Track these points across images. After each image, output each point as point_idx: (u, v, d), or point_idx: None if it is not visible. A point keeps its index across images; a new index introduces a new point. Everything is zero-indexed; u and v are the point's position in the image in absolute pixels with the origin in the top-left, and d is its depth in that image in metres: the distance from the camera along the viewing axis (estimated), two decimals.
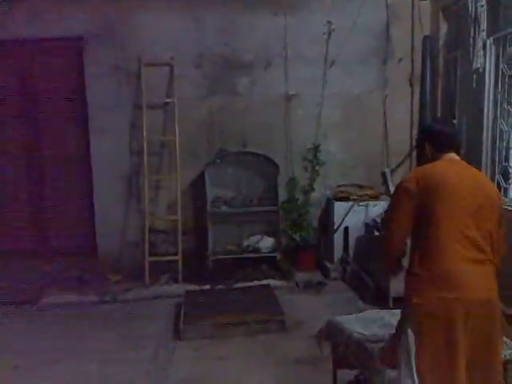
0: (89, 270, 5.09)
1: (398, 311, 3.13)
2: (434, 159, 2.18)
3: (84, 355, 3.56)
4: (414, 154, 5.32)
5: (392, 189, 5.04)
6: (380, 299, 4.18)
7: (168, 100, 5.22)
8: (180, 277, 4.95)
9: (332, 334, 2.74)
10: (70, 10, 5.01)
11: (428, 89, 5.20)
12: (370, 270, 4.57)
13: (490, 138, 4.43)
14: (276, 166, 5.21)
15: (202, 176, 5.25)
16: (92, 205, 5.28)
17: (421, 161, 2.29)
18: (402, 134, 5.38)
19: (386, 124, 5.36)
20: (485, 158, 4.46)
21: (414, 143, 2.42)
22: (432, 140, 2.23)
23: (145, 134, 5.10)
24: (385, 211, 2.19)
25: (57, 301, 4.61)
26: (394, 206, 2.13)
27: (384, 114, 5.36)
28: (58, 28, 5.03)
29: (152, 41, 5.13)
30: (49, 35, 5.06)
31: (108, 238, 5.28)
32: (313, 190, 5.26)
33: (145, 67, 5.13)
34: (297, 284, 4.78)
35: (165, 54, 5.15)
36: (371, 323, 2.74)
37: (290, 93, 5.34)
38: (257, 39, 5.27)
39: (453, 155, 2.18)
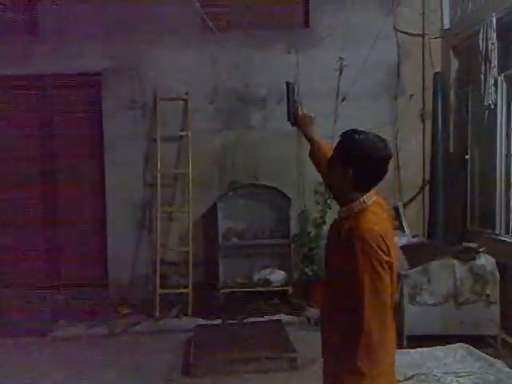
0: (99, 301, 5.07)
1: (412, 351, 3.08)
2: (350, 191, 1.73)
3: None
4: (427, 188, 5.33)
5: (405, 223, 5.00)
6: None
7: (182, 133, 5.33)
8: (190, 310, 4.90)
9: None
10: (88, 47, 5.22)
11: (440, 124, 5.24)
12: None
13: (503, 173, 4.40)
14: (288, 198, 5.22)
15: (214, 208, 5.27)
16: (105, 236, 5.32)
17: (333, 182, 1.82)
18: (414, 169, 5.39)
19: (397, 158, 5.37)
20: (498, 194, 4.42)
21: (336, 154, 1.82)
22: (361, 170, 1.70)
23: (159, 166, 5.18)
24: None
25: (66, 333, 4.61)
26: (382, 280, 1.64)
27: (396, 148, 5.38)
28: (77, 64, 5.22)
29: (167, 76, 5.29)
30: (68, 71, 5.24)
31: (119, 270, 5.29)
32: (324, 223, 5.24)
33: (160, 101, 5.25)
34: (308, 319, 4.70)
35: (180, 89, 5.28)
36: None
37: None
38: (270, 75, 5.37)
39: (378, 196, 1.78)
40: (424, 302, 3.99)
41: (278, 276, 5.11)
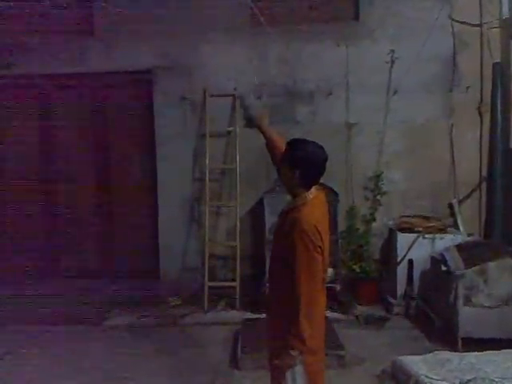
0: (150, 292, 5.23)
1: (468, 354, 2.96)
2: (297, 188, 2.19)
3: (139, 379, 3.63)
4: (484, 185, 5.09)
5: (460, 221, 4.80)
6: (447, 339, 3.93)
7: (230, 129, 5.37)
8: (237, 303, 4.96)
9: (397, 375, 2.61)
10: (140, 45, 5.34)
11: (499, 118, 4.97)
12: (436, 306, 4.32)
13: None
14: (335, 194, 5.14)
15: (260, 203, 5.28)
16: (156, 229, 5.47)
17: (284, 180, 2.27)
18: (471, 164, 5.16)
19: (452, 153, 5.16)
20: None
21: (285, 158, 2.28)
22: (306, 171, 2.17)
23: (207, 161, 5.26)
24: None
25: (118, 322, 4.77)
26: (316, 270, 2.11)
27: (451, 143, 5.17)
28: (128, 62, 5.36)
29: (216, 72, 5.33)
30: (120, 69, 5.39)
31: (170, 262, 5.42)
32: (374, 220, 5.12)
33: (209, 98, 5.31)
34: (357, 318, 4.62)
35: (228, 85, 5.30)
36: (440, 366, 2.60)
37: (351, 121, 5.30)
38: (318, 69, 5.31)
39: (318, 191, 2.23)
40: (480, 303, 3.82)
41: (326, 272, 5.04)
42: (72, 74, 5.48)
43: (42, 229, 5.74)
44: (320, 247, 2.08)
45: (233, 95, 5.33)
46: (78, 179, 5.67)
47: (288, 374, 2.15)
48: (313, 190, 2.20)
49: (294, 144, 2.24)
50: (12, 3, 5.14)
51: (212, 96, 5.32)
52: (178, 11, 5.26)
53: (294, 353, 2.08)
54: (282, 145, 2.46)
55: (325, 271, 2.21)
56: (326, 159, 2.20)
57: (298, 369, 2.14)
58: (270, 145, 2.55)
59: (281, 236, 2.20)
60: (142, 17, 5.28)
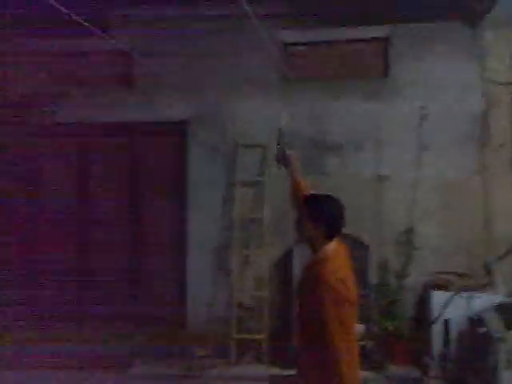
0: (176, 341, 5.14)
1: None
2: (318, 242, 2.21)
3: None
4: None
5: (499, 280, 4.65)
6: None
7: (259, 179, 5.44)
8: (265, 357, 4.83)
9: None
10: (176, 97, 5.56)
11: None
12: (475, 370, 4.10)
13: None
14: (366, 247, 5.07)
15: (290, 253, 5.23)
16: (184, 277, 5.45)
17: (304, 234, 2.28)
18: (508, 222, 5.05)
19: (487, 211, 5.08)
20: None
21: (304, 214, 2.30)
22: (325, 225, 2.19)
23: (236, 210, 5.30)
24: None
25: (142, 371, 4.70)
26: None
27: (485, 200, 5.10)
28: (165, 113, 5.57)
29: (247, 124, 5.47)
30: (157, 119, 5.60)
31: (197, 311, 5.35)
32: (407, 275, 5.00)
33: (240, 148, 5.44)
34: (389, 378, 4.41)
35: (259, 137, 5.41)
36: None
37: (382, 174, 5.31)
38: (348, 123, 5.38)
39: (339, 244, 2.25)
40: None
41: (356, 329, 4.88)
42: (109, 123, 5.67)
43: (73, 273, 5.78)
44: (347, 300, 2.06)
45: (263, 145, 5.44)
46: (110, 222, 5.73)
47: None
48: (334, 243, 2.21)
49: (314, 199, 2.31)
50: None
51: (242, 146, 5.43)
52: (214, 65, 5.50)
53: None
54: (306, 191, 2.56)
55: (355, 326, 2.18)
56: (343, 212, 2.26)
57: None
58: (294, 187, 2.65)
59: (305, 292, 2.16)
60: (179, 69, 5.54)
